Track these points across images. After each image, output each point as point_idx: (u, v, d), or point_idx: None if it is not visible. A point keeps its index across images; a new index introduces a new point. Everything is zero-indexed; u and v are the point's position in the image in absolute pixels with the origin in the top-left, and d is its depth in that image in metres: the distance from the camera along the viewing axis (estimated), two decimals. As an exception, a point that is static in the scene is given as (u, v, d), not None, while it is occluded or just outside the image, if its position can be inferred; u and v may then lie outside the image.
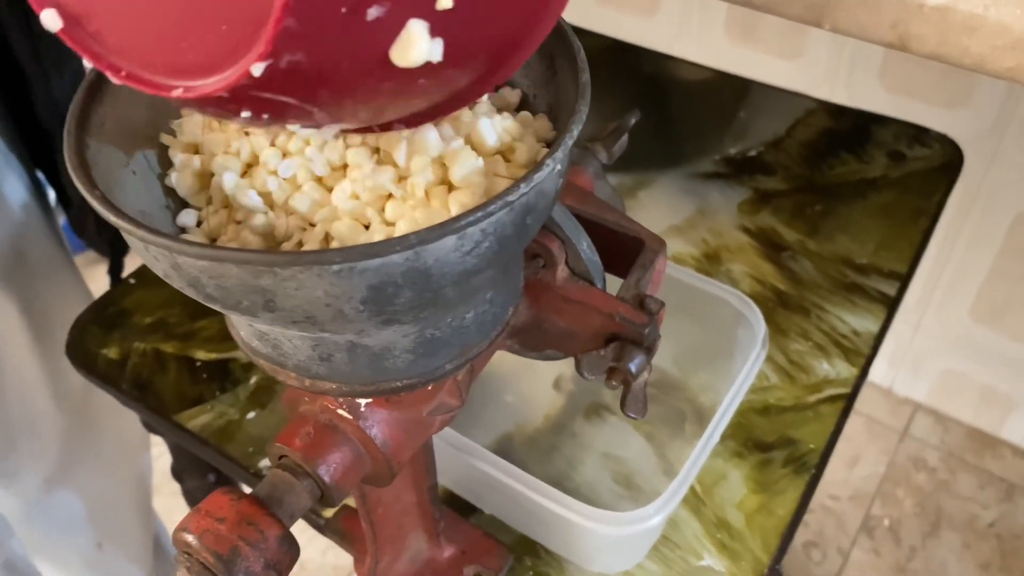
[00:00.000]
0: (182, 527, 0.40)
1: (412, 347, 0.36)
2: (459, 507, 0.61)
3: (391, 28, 0.26)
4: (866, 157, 0.86)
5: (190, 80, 0.26)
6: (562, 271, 0.47)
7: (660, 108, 0.93)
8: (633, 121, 0.59)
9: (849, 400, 0.67)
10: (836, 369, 0.69)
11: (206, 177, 0.36)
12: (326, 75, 0.26)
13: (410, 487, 0.52)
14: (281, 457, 0.43)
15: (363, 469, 0.43)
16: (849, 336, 0.71)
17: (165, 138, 0.38)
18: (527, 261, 0.48)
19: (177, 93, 0.26)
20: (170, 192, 0.37)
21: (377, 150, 0.34)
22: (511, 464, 0.54)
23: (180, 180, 0.37)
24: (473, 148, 0.34)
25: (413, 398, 0.43)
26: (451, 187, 0.33)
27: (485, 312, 0.37)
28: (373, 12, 0.24)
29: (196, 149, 0.37)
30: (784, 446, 0.64)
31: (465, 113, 0.35)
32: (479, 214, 0.28)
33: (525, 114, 0.37)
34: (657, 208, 0.83)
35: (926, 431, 1.45)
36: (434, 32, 0.26)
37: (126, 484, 1.03)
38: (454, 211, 0.31)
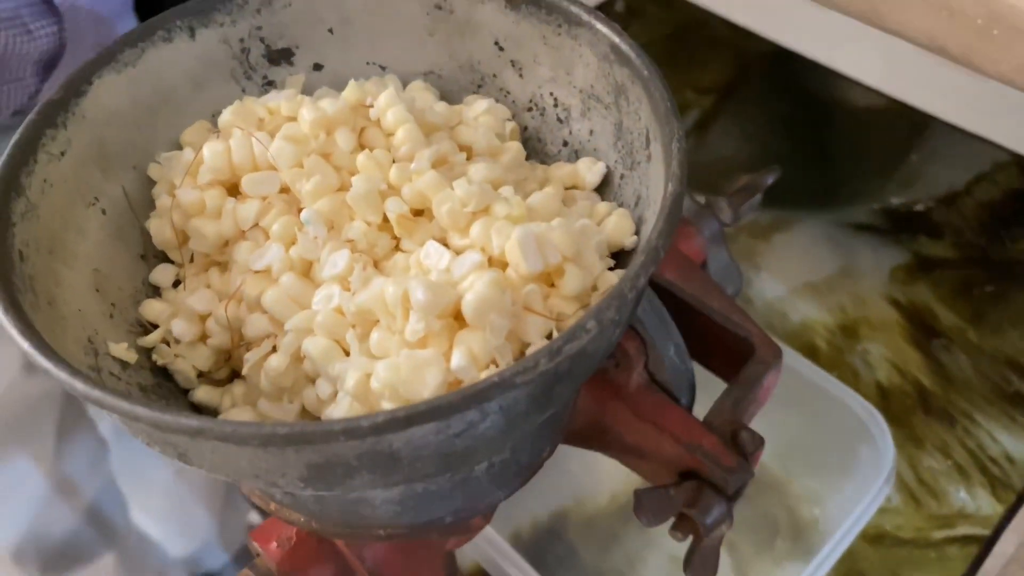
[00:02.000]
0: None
1: (398, 499, 0.27)
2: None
3: None
4: (1062, 232, 0.71)
5: None
6: (638, 376, 0.38)
7: (816, 135, 0.80)
8: (771, 180, 0.47)
9: (987, 546, 0.54)
10: (977, 502, 0.56)
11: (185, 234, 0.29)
12: None
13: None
14: (256, 555, 0.36)
15: (349, 591, 0.36)
16: (1000, 461, 0.58)
17: (153, 169, 0.30)
18: (597, 356, 0.38)
19: None
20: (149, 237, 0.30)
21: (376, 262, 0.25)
22: (535, 572, 0.45)
23: (156, 228, 0.29)
24: (497, 266, 0.24)
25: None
26: (461, 321, 0.23)
27: (505, 463, 0.28)
28: None
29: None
30: (894, 590, 0.52)
31: (498, 213, 0.25)
32: (469, 395, 0.19)
33: (585, 223, 0.27)
34: (793, 258, 0.70)
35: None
36: None
37: None
38: (455, 363, 0.22)
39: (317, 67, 0.33)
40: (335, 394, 0.24)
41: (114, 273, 0.28)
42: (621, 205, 0.29)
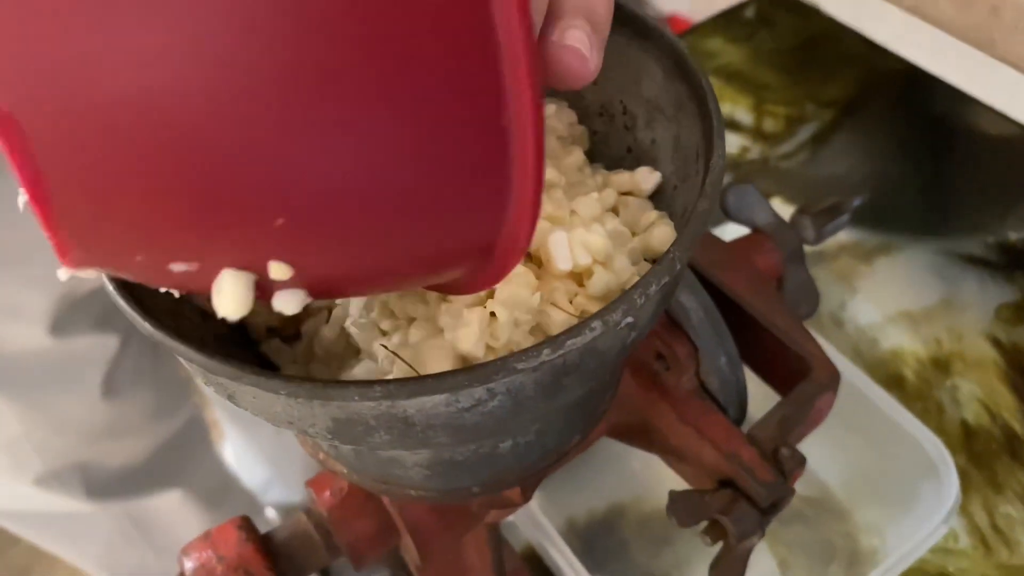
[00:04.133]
0: (187, 548, 0.37)
1: (426, 464, 0.30)
2: (539, 571, 0.55)
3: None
4: None
5: None
6: (688, 382, 0.39)
7: (937, 160, 0.78)
8: (858, 203, 0.47)
9: (1056, 603, 0.52)
10: (1053, 557, 0.54)
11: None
12: None
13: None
14: (311, 501, 0.39)
15: (389, 544, 0.38)
16: (1086, 519, 0.55)
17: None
18: (652, 358, 0.39)
19: None
20: None
21: None
22: (579, 563, 0.46)
23: None
24: (535, 261, 0.26)
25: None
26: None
27: (530, 444, 0.30)
28: (179, 267, 0.19)
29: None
30: (948, 632, 0.51)
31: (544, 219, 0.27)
32: (472, 373, 0.21)
33: (621, 230, 0.28)
34: (893, 284, 0.69)
35: None
36: (277, 285, 0.20)
37: None
38: (463, 346, 0.24)
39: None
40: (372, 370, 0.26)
41: None
42: (671, 215, 0.30)
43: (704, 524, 0.38)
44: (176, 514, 0.96)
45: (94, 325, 0.74)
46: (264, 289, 0.20)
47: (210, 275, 0.19)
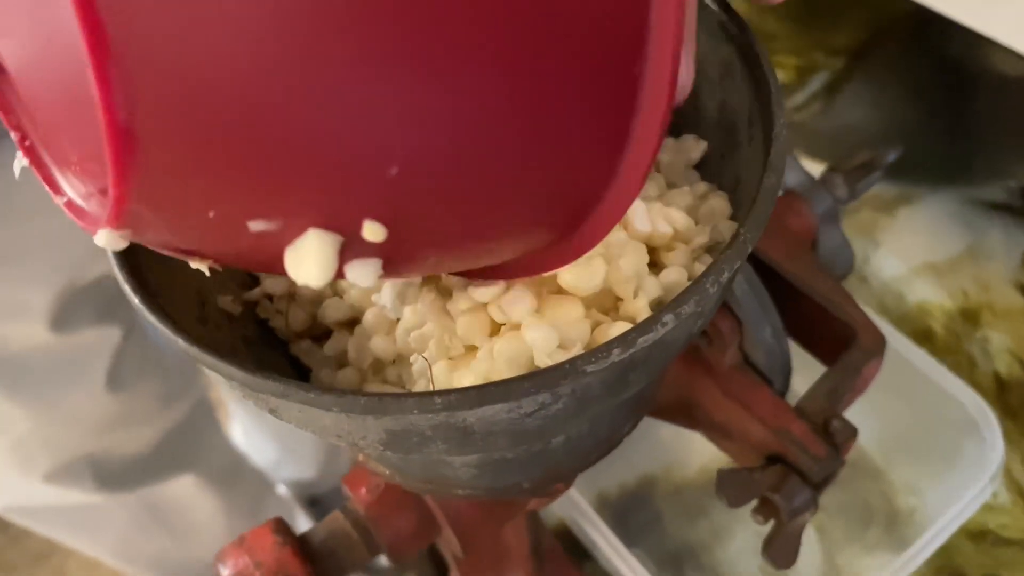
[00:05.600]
0: (222, 555, 0.36)
1: (476, 464, 0.28)
2: (572, 547, 0.54)
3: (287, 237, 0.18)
4: None
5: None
6: (732, 356, 0.37)
7: (954, 105, 0.75)
8: (893, 158, 0.45)
9: (1100, 554, 0.51)
10: (1094, 507, 0.53)
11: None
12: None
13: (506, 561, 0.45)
14: (346, 499, 0.37)
15: (430, 538, 0.37)
16: (1126, 467, 0.54)
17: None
18: (691, 332, 0.38)
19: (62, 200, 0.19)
20: None
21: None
22: (616, 537, 0.45)
23: None
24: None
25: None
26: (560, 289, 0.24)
27: (582, 436, 0.29)
28: (257, 226, 0.17)
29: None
30: (991, 590, 0.50)
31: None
32: (539, 380, 0.20)
33: (712, 202, 0.26)
34: (916, 235, 0.67)
35: None
36: (358, 251, 0.18)
37: None
38: (531, 338, 0.23)
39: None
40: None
41: None
42: (721, 187, 0.28)
43: (755, 503, 0.37)
44: (190, 499, 0.95)
45: (96, 318, 0.72)
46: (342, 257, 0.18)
47: (290, 237, 0.17)
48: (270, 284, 0.29)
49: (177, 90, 0.15)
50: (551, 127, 0.17)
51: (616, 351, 0.20)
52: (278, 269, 0.18)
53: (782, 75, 0.80)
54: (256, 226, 0.17)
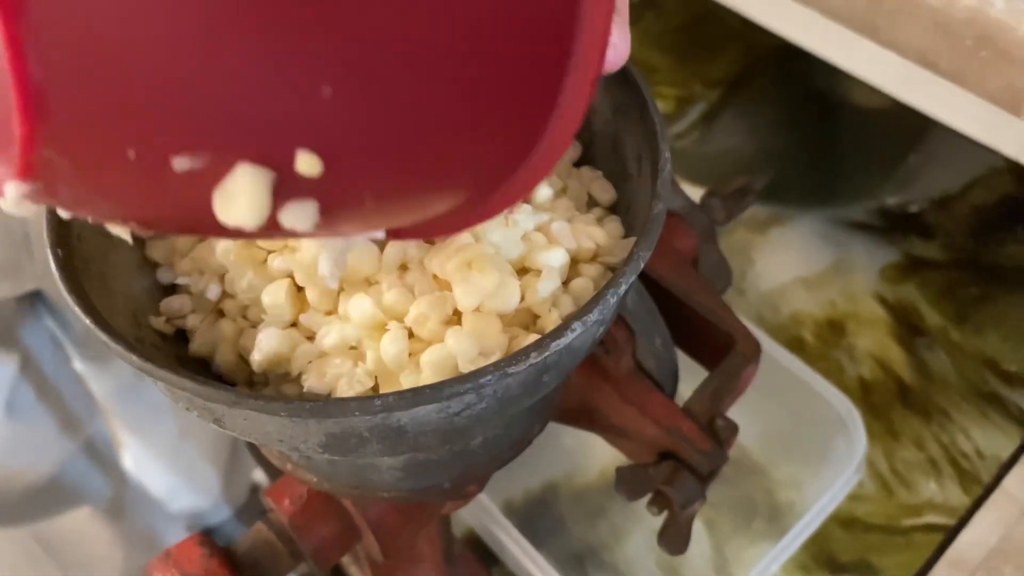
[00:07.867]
0: (150, 571, 0.37)
1: (401, 466, 0.31)
2: (481, 553, 0.57)
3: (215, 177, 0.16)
4: (1050, 239, 0.74)
5: None
6: (626, 363, 0.41)
7: (820, 132, 0.83)
8: (762, 184, 0.50)
9: (950, 535, 0.57)
10: (945, 493, 0.59)
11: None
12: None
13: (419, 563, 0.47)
14: (269, 511, 0.39)
15: (351, 545, 0.39)
16: (971, 456, 0.61)
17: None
18: (590, 343, 0.41)
19: None
20: None
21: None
22: (525, 539, 0.48)
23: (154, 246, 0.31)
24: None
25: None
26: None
27: (499, 437, 0.32)
28: (183, 163, 0.16)
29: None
30: (860, 571, 0.56)
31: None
32: (465, 382, 0.23)
33: (607, 225, 0.30)
34: (788, 252, 0.73)
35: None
36: (293, 189, 0.17)
37: None
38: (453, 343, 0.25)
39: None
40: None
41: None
42: (613, 211, 0.32)
43: (649, 496, 0.40)
44: (85, 531, 0.93)
45: None
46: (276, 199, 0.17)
47: (220, 173, 0.16)
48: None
49: (84, 11, 0.13)
50: (485, 64, 0.17)
51: (533, 354, 0.23)
52: (208, 224, 0.17)
53: (663, 105, 0.85)
54: (181, 164, 0.15)
